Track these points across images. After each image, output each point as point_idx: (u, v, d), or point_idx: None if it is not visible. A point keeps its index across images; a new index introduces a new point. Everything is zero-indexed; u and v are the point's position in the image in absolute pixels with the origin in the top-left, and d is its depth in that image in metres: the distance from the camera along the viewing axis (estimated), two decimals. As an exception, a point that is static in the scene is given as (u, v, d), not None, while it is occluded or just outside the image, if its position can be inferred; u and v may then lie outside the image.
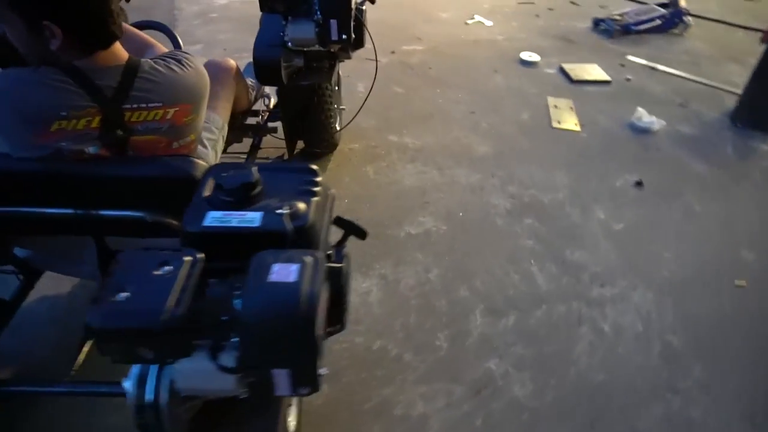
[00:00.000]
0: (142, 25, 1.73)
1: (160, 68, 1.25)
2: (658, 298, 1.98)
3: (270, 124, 2.28)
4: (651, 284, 2.03)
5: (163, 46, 1.55)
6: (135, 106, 1.21)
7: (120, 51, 1.23)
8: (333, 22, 1.96)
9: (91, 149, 1.21)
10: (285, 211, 0.93)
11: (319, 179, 1.06)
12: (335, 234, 1.12)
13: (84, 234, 1.34)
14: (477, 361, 1.73)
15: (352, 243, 1.13)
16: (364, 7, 2.17)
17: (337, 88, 2.44)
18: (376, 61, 2.36)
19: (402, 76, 3.38)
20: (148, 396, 0.89)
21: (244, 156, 2.24)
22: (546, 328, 1.85)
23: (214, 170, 1.06)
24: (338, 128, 2.54)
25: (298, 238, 0.94)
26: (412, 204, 2.35)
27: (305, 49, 2.06)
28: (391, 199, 2.38)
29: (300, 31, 1.99)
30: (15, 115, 1.15)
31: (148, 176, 1.25)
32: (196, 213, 0.95)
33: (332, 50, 2.11)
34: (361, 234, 1.24)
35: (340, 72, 2.47)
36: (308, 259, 0.87)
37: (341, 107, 2.57)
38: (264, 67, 2.05)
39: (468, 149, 2.74)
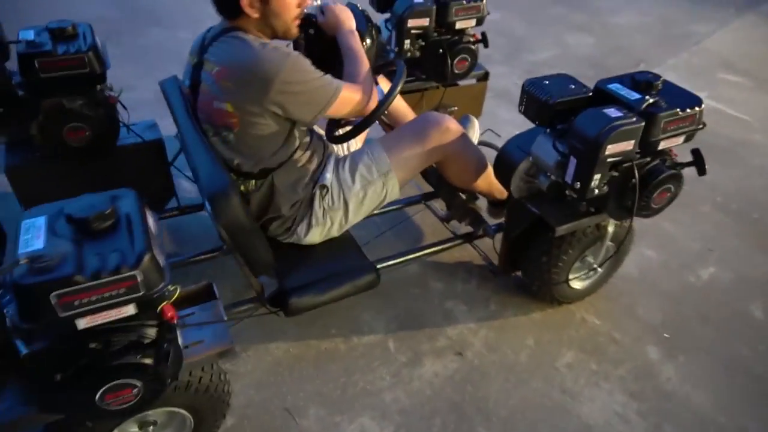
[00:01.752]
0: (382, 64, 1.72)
1: (240, 40, 1.39)
2: None
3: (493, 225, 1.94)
4: None
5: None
6: (207, 57, 1.44)
7: (243, 23, 1.43)
8: (572, 161, 1.43)
9: (186, 82, 1.53)
10: (23, 260, 0.85)
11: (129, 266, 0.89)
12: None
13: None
14: None
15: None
16: (674, 172, 1.48)
17: (599, 243, 1.79)
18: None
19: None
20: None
21: (455, 236, 2.00)
22: None
23: (118, 194, 1.04)
24: (575, 287, 1.91)
25: (14, 292, 0.85)
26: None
27: (548, 174, 1.59)
28: (539, 406, 1.68)
29: (541, 150, 1.54)
30: None
31: (198, 166, 1.34)
32: (31, 216, 0.98)
33: (569, 195, 1.55)
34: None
35: (615, 228, 1.78)
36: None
37: (595, 267, 1.89)
38: (499, 163, 1.71)
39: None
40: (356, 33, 1.61)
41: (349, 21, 1.61)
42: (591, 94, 1.52)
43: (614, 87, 1.51)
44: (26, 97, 1.58)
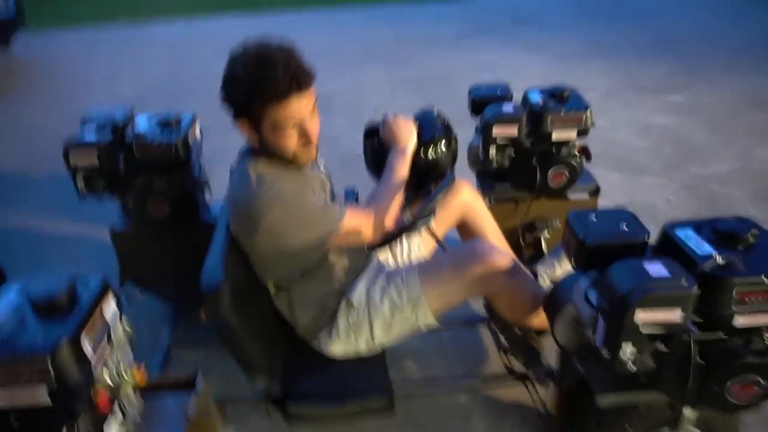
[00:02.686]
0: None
1: (243, 170, 1.39)
2: None
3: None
4: None
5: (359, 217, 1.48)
6: None
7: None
8: (600, 323, 1.14)
9: None
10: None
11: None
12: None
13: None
14: None
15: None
16: (761, 361, 1.08)
17: (678, 427, 1.36)
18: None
19: None
20: None
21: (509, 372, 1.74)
22: None
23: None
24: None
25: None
26: None
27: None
28: None
29: (580, 300, 1.26)
30: None
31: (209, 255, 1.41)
32: (13, 284, 1.12)
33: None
34: None
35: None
36: None
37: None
38: (546, 302, 1.46)
39: None
40: (407, 153, 1.56)
41: (404, 139, 1.57)
42: (647, 239, 1.22)
43: (683, 234, 1.19)
44: (127, 173, 1.87)
